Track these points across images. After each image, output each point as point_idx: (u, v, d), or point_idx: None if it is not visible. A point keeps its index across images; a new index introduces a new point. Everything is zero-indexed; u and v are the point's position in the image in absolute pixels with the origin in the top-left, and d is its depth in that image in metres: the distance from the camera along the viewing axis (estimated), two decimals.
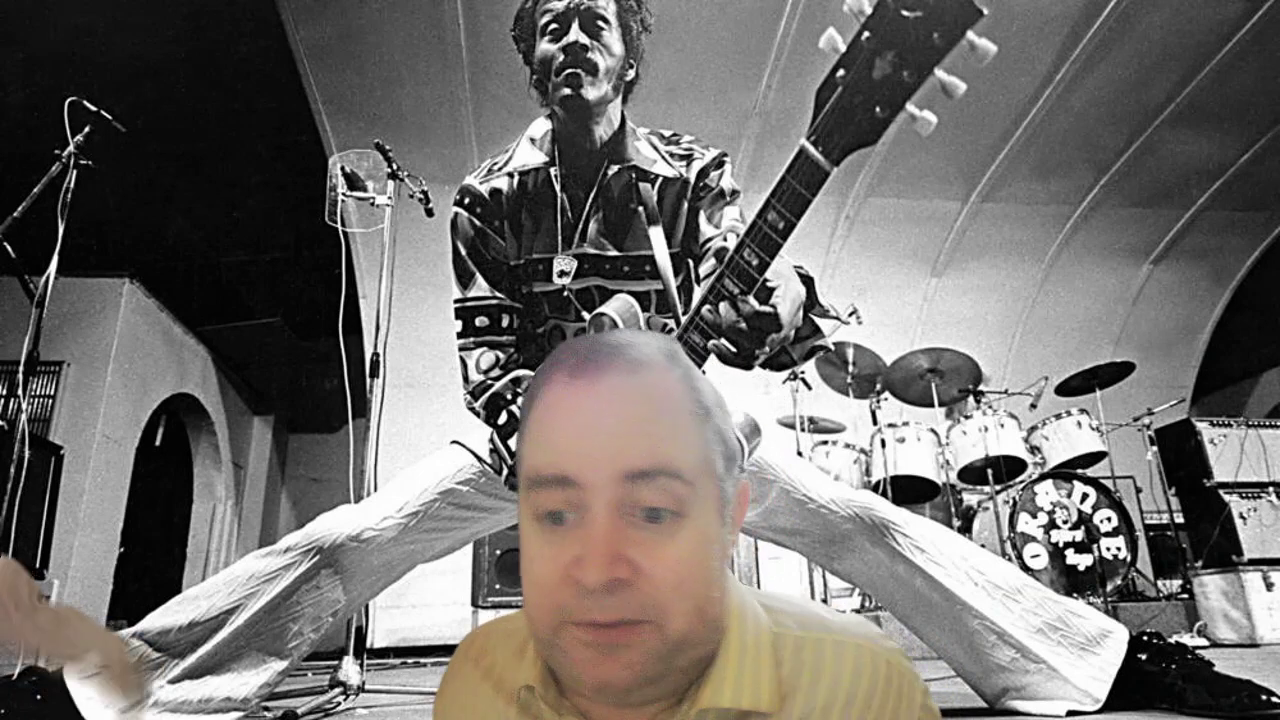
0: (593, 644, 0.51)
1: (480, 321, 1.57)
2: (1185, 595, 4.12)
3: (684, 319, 1.06)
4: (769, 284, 1.00)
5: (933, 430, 4.54)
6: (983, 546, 2.06)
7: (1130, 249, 7.34)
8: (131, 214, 5.80)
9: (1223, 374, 8.46)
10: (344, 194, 3.15)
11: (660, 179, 1.55)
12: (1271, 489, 4.14)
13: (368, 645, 3.00)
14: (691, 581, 0.52)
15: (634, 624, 0.51)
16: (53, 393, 5.22)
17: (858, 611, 4.14)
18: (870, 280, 6.76)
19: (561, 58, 1.45)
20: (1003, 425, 4.34)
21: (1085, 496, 4.14)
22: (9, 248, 2.51)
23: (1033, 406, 4.67)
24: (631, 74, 1.56)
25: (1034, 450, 4.50)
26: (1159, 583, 4.61)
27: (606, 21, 1.48)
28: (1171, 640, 1.67)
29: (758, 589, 0.64)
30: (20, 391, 2.65)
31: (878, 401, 4.88)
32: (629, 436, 0.53)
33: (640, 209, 1.52)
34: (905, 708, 0.56)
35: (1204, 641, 3.74)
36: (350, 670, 2.40)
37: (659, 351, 0.57)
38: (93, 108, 2.67)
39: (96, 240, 5.00)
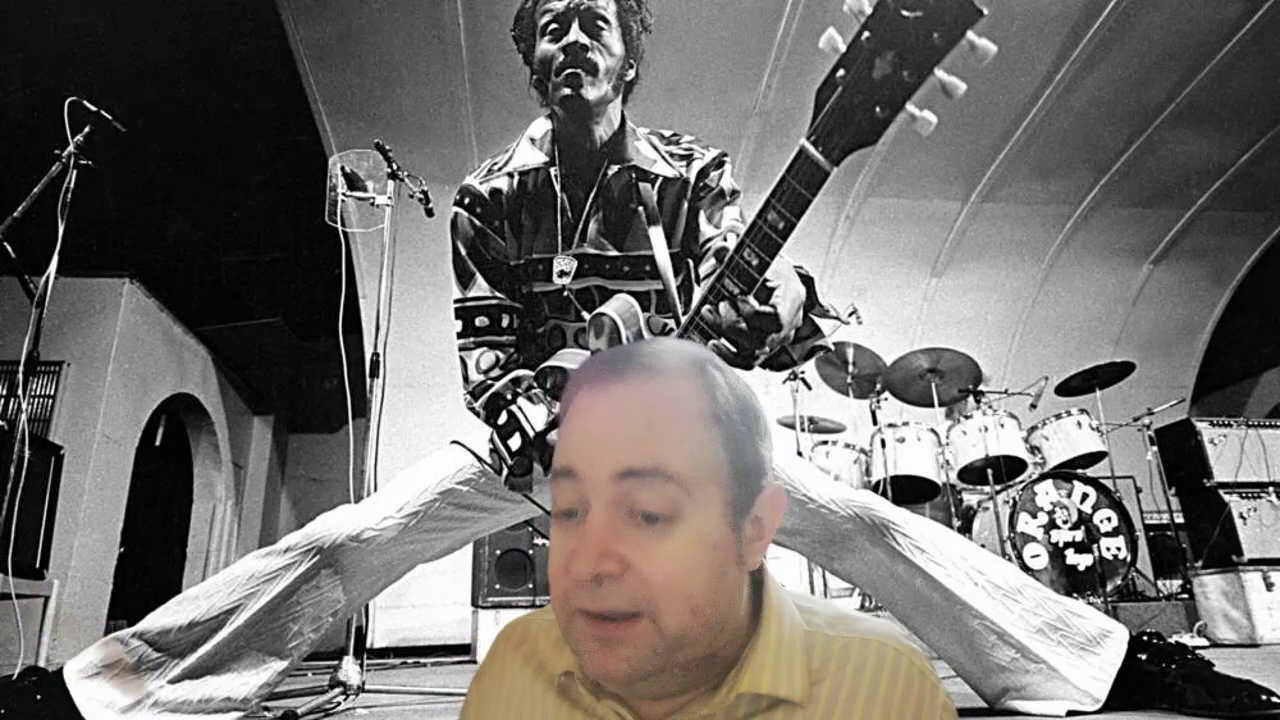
0: (594, 636, 0.55)
1: (480, 321, 1.57)
2: (1185, 595, 4.12)
3: (684, 319, 1.06)
4: (769, 284, 1.00)
5: (933, 430, 4.54)
6: (983, 546, 2.06)
7: (1130, 249, 7.34)
8: (131, 214, 5.79)
9: (1223, 374, 8.46)
10: (344, 194, 3.15)
11: (660, 179, 1.55)
12: (1271, 489, 4.14)
13: (368, 645, 3.00)
14: (683, 582, 0.55)
15: (630, 619, 0.54)
16: (53, 393, 5.22)
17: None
18: (870, 280, 6.76)
19: (561, 58, 1.45)
20: (1003, 425, 4.33)
21: (1085, 496, 4.13)
22: (9, 248, 2.51)
23: (1033, 406, 4.67)
24: (631, 74, 1.56)
25: (1034, 450, 4.50)
26: (1159, 583, 4.61)
27: (606, 21, 1.48)
28: (1171, 640, 1.67)
29: (789, 590, 0.66)
30: (20, 391, 2.65)
31: (878, 401, 4.88)
32: (627, 437, 0.57)
33: (640, 209, 1.52)
34: (927, 705, 0.58)
35: (1204, 641, 3.74)
36: (350, 670, 2.40)
37: (681, 360, 0.60)
38: (93, 108, 2.67)
39: (96, 240, 5.00)
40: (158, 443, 6.58)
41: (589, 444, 0.57)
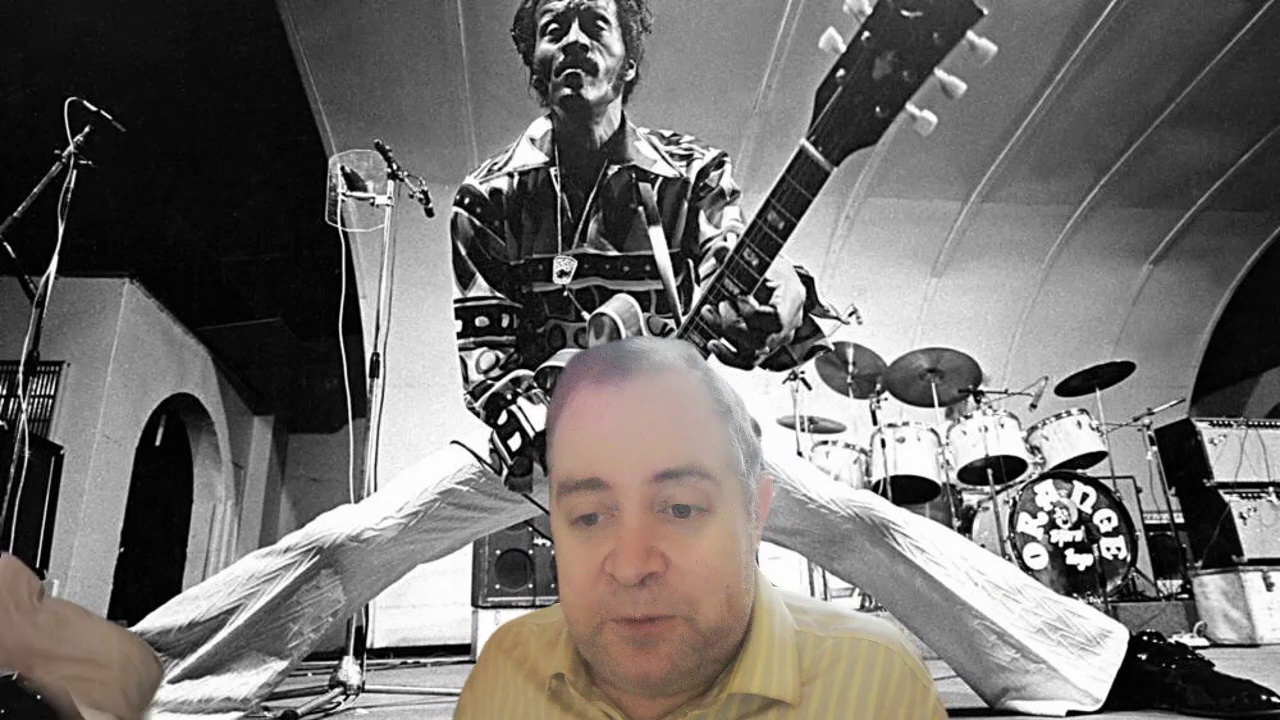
0: (630, 639, 0.54)
1: (480, 321, 1.57)
2: (1185, 595, 4.12)
3: (684, 319, 1.06)
4: (769, 284, 0.99)
5: (933, 430, 4.54)
6: (983, 546, 2.06)
7: (1130, 249, 7.34)
8: (131, 214, 5.80)
9: (1223, 374, 8.46)
10: (344, 194, 3.15)
11: (660, 179, 1.55)
12: (1271, 489, 4.14)
13: (368, 645, 3.00)
14: (721, 574, 0.55)
15: (667, 619, 0.54)
16: (53, 393, 5.22)
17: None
18: (870, 280, 6.76)
19: (561, 58, 1.45)
20: (1003, 425, 4.33)
21: (1085, 496, 4.13)
22: (9, 248, 2.51)
23: (1033, 406, 4.67)
24: (631, 74, 1.56)
25: (1034, 450, 4.50)
26: (1159, 583, 4.61)
27: (606, 21, 1.48)
28: (1171, 640, 1.67)
29: (780, 589, 0.66)
30: (20, 391, 2.65)
31: (878, 401, 4.88)
32: (657, 438, 0.56)
33: (640, 209, 1.52)
34: (919, 705, 0.58)
35: (1204, 641, 3.74)
36: (350, 670, 2.40)
37: (678, 356, 0.60)
38: (93, 108, 2.67)
39: (96, 240, 5.00)
40: (158, 443, 6.58)
41: (614, 449, 0.56)
